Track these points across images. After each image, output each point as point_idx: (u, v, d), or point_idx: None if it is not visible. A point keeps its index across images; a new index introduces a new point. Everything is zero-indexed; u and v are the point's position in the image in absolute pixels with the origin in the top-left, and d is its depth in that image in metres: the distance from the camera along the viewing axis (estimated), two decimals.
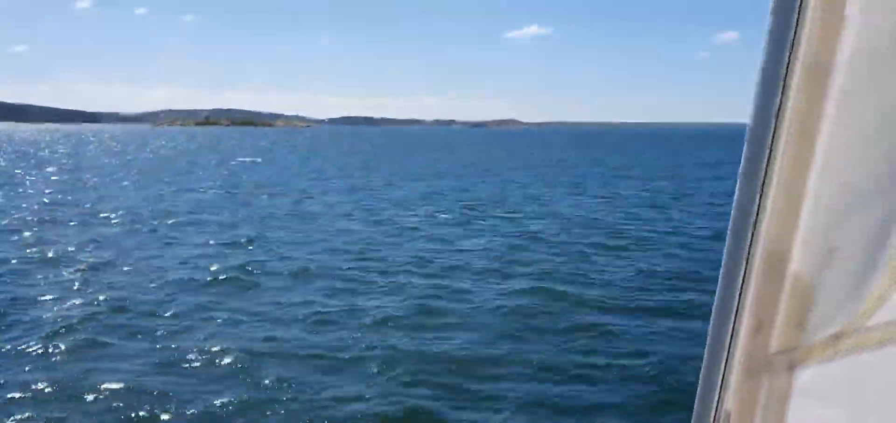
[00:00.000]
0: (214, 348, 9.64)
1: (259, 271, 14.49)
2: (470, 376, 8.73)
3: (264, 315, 11.32)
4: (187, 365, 9.09)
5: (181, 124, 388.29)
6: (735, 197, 1.22)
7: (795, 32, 1.08)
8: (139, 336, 10.23)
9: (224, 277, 13.84)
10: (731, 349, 1.30)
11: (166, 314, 11.25)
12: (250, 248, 17.24)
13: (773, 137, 1.15)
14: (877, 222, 1.08)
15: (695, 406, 1.37)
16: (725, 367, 1.31)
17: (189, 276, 14.04)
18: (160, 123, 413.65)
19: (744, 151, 1.19)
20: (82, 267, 14.63)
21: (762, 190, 1.18)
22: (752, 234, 1.21)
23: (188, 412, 7.70)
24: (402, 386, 8.38)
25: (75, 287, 13.05)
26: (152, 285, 13.26)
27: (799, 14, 1.08)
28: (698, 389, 1.35)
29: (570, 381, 8.61)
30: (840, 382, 1.17)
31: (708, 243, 18.32)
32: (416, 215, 23.69)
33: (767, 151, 1.16)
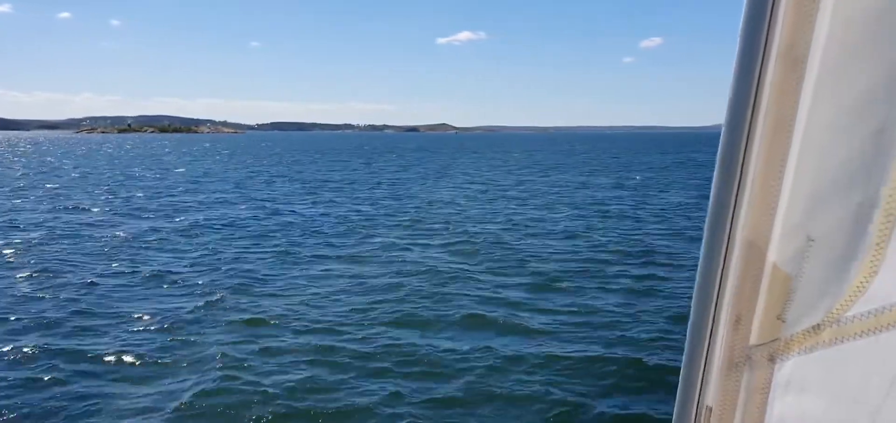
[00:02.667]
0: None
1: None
2: (422, 375, 8.61)
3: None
4: None
5: (102, 132, 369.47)
6: (712, 190, 1.23)
7: (769, 24, 1.09)
8: None
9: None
10: (711, 343, 1.30)
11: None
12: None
13: (750, 129, 1.15)
14: (854, 211, 1.09)
15: (676, 401, 1.37)
16: (706, 361, 1.32)
17: None
18: (81, 130, 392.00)
19: (720, 143, 1.19)
20: None
21: (739, 183, 1.19)
22: (730, 227, 1.22)
23: None
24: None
25: None
26: None
27: (773, 6, 1.09)
28: (679, 383, 1.36)
29: (552, 377, 8.59)
30: (820, 373, 1.18)
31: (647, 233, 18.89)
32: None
33: (744, 143, 1.16)
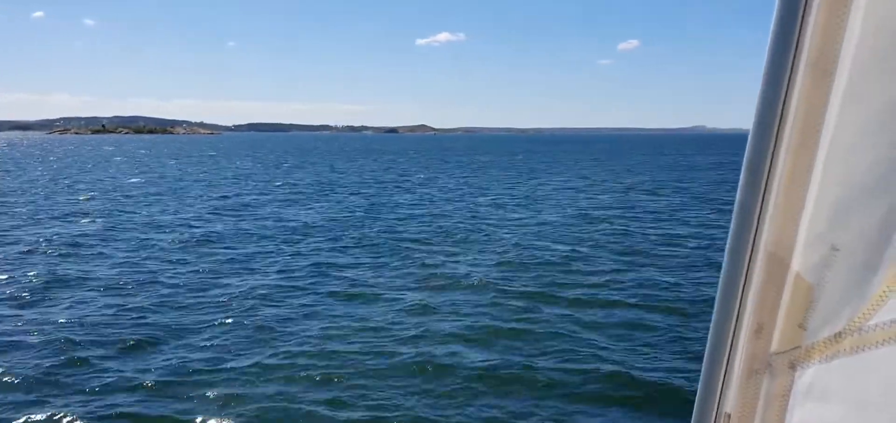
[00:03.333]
0: None
1: None
2: (440, 386, 8.57)
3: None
4: None
5: (76, 132, 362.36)
6: (737, 197, 1.23)
7: (799, 32, 1.09)
8: None
9: None
10: (732, 351, 1.30)
11: None
12: None
13: (777, 137, 1.16)
14: (879, 222, 1.09)
15: (695, 407, 1.37)
16: (726, 368, 1.32)
17: None
18: (54, 131, 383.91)
19: (746, 150, 1.20)
20: None
21: (765, 191, 1.19)
22: (754, 235, 1.22)
23: None
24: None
25: None
26: None
27: (803, 14, 1.09)
28: (699, 390, 1.36)
29: (571, 383, 8.60)
30: (841, 381, 1.18)
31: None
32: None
33: (770, 151, 1.17)
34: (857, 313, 1.15)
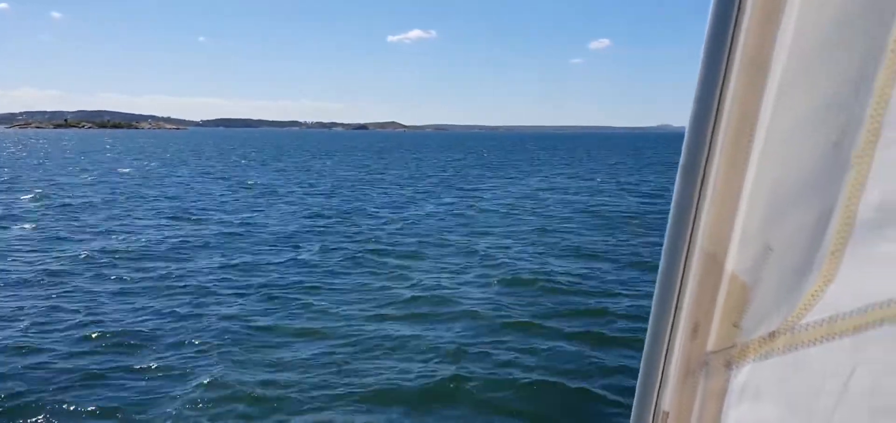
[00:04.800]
0: None
1: None
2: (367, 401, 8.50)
3: None
4: None
5: (36, 127, 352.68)
6: (673, 198, 1.23)
7: (734, 31, 1.09)
8: None
9: None
10: (669, 350, 1.31)
11: None
12: None
13: (712, 136, 1.16)
14: (812, 220, 1.10)
15: (633, 406, 1.38)
16: (664, 367, 1.32)
17: None
18: (14, 126, 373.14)
19: (683, 150, 1.20)
20: None
21: (700, 191, 1.20)
22: (690, 234, 1.22)
23: None
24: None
25: None
26: None
27: (738, 14, 1.09)
28: (637, 388, 1.36)
29: (508, 385, 8.52)
30: (774, 380, 1.19)
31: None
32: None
33: (706, 150, 1.17)
34: (790, 313, 1.16)
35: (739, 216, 1.16)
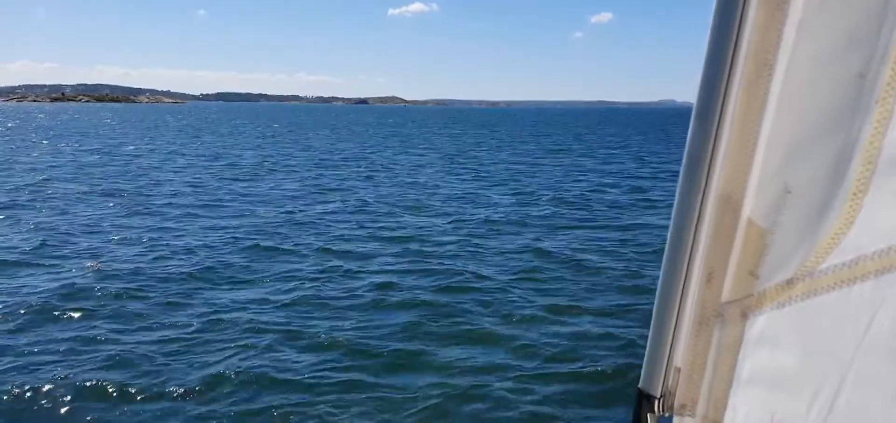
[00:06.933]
0: None
1: None
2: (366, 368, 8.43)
3: None
4: None
5: (34, 100, 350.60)
6: (687, 143, 1.18)
7: None
8: None
9: None
10: (682, 301, 1.27)
11: None
12: None
13: (729, 76, 1.11)
14: (832, 159, 1.06)
15: (645, 361, 1.34)
16: (677, 318, 1.29)
17: None
18: (11, 99, 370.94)
19: (697, 91, 1.15)
20: None
21: (716, 134, 1.15)
22: (705, 181, 1.18)
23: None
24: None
25: None
26: None
27: None
28: (649, 341, 1.32)
29: (517, 348, 8.46)
30: (792, 328, 1.16)
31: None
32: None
33: (722, 90, 1.12)
34: (808, 258, 1.12)
35: (757, 158, 1.12)
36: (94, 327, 9.27)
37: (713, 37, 1.10)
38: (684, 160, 1.19)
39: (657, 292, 1.29)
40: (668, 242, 1.25)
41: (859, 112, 1.02)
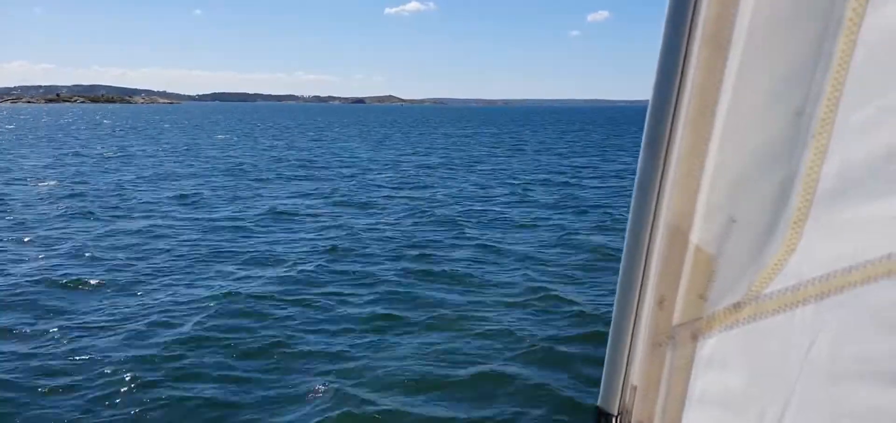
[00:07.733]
0: None
1: None
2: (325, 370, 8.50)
3: None
4: None
5: (29, 101, 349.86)
6: (637, 173, 1.23)
7: (695, 5, 1.10)
8: None
9: None
10: (636, 323, 1.32)
11: None
12: None
13: (675, 111, 1.16)
14: (774, 191, 1.11)
15: (602, 380, 1.39)
16: (631, 341, 1.33)
17: None
18: (6, 101, 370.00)
19: (645, 125, 1.20)
20: None
21: (664, 165, 1.20)
22: (655, 209, 1.23)
23: None
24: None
25: None
26: None
27: None
28: (606, 362, 1.37)
29: (475, 358, 8.38)
30: (739, 350, 1.20)
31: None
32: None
33: (668, 125, 1.17)
34: (754, 283, 1.17)
35: (703, 189, 1.17)
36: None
37: (660, 74, 1.15)
38: (635, 190, 1.24)
39: (613, 314, 1.34)
40: (621, 266, 1.30)
41: (798, 146, 1.07)
